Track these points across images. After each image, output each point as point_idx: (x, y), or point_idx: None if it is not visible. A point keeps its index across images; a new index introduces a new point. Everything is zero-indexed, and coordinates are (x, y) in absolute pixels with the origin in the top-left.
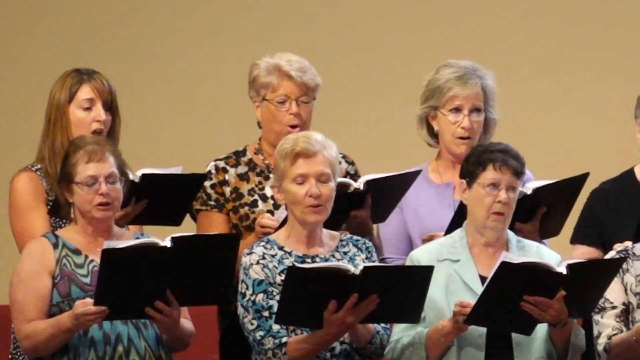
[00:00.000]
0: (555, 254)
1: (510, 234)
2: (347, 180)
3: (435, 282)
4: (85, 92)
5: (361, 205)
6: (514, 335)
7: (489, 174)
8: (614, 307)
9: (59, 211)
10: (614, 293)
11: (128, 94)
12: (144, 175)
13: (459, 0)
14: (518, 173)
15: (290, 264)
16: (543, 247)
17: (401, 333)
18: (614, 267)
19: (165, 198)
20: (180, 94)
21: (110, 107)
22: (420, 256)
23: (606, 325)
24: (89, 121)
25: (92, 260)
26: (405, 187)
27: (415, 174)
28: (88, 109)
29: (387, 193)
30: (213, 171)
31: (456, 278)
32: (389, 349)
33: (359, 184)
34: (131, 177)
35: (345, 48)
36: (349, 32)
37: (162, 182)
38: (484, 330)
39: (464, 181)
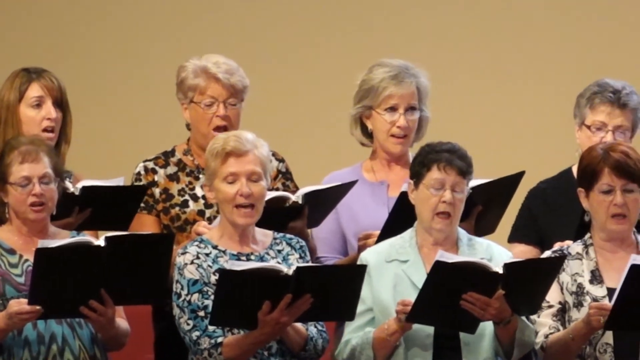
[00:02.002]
0: (506, 252)
1: (461, 232)
2: (285, 194)
3: (383, 283)
4: (34, 90)
5: (299, 217)
6: (462, 335)
7: (433, 175)
8: (550, 306)
9: None
10: (550, 292)
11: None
12: (84, 187)
13: (391, 0)
14: (463, 173)
15: (226, 263)
16: (494, 244)
17: (351, 334)
18: (553, 266)
19: (108, 207)
20: (119, 95)
21: (61, 104)
22: (369, 257)
23: (543, 324)
24: (39, 119)
25: (26, 260)
26: (341, 196)
27: (351, 184)
28: (38, 106)
29: (324, 202)
30: (142, 172)
31: (404, 278)
32: (338, 350)
33: (297, 197)
34: (71, 189)
35: (278, 49)
36: (282, 33)
37: (104, 193)
38: (431, 330)
39: (411, 182)
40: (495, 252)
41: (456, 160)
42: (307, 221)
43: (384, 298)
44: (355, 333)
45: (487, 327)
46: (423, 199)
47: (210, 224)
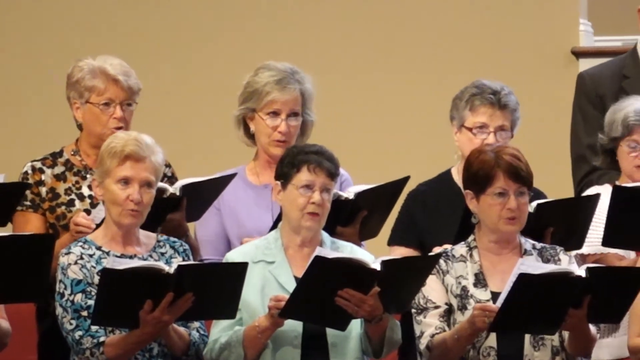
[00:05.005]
0: (370, 255)
1: (325, 235)
2: (163, 185)
3: (250, 284)
4: None
5: (177, 209)
6: (329, 335)
7: (303, 176)
8: (436, 307)
9: None
10: (436, 294)
11: None
12: None
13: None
14: (332, 174)
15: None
16: (357, 248)
17: (219, 333)
18: (428, 264)
19: None
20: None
21: None
22: (235, 257)
23: (429, 325)
24: None
25: None
26: (220, 189)
27: (230, 177)
28: None
29: (203, 195)
30: (29, 172)
31: (271, 279)
32: (207, 350)
33: (175, 189)
34: None
35: (167, 49)
36: (171, 34)
37: None
38: (299, 330)
39: (278, 182)
40: (359, 255)
41: (325, 162)
42: (186, 214)
43: (251, 299)
44: (223, 332)
45: (353, 328)
46: (292, 199)
47: (89, 215)
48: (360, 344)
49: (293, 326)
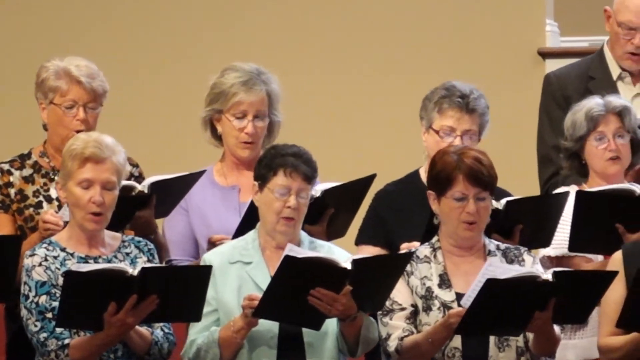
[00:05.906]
0: (346, 253)
1: (303, 234)
2: (132, 182)
3: (227, 285)
4: None
5: (146, 206)
6: (305, 335)
7: (279, 180)
8: (402, 309)
9: None
10: (401, 295)
11: None
12: None
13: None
14: (309, 178)
15: (73, 265)
16: (335, 247)
17: (196, 334)
18: (399, 262)
19: None
20: None
21: None
22: (212, 258)
23: (396, 327)
24: None
25: None
26: (188, 187)
27: (199, 174)
28: None
29: (172, 192)
30: None
31: (248, 280)
32: (184, 351)
33: (144, 187)
34: None
35: (138, 51)
36: (140, 34)
37: None
38: (275, 331)
39: (256, 183)
40: (336, 254)
41: (302, 165)
42: (155, 211)
43: (228, 299)
44: (200, 333)
45: (329, 327)
46: (268, 202)
47: (58, 212)
48: (336, 343)
49: (269, 326)
